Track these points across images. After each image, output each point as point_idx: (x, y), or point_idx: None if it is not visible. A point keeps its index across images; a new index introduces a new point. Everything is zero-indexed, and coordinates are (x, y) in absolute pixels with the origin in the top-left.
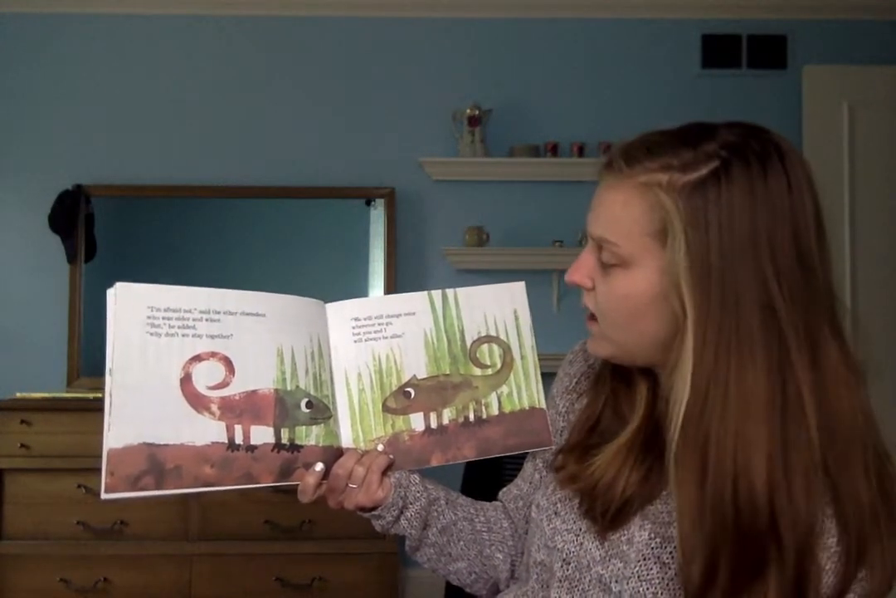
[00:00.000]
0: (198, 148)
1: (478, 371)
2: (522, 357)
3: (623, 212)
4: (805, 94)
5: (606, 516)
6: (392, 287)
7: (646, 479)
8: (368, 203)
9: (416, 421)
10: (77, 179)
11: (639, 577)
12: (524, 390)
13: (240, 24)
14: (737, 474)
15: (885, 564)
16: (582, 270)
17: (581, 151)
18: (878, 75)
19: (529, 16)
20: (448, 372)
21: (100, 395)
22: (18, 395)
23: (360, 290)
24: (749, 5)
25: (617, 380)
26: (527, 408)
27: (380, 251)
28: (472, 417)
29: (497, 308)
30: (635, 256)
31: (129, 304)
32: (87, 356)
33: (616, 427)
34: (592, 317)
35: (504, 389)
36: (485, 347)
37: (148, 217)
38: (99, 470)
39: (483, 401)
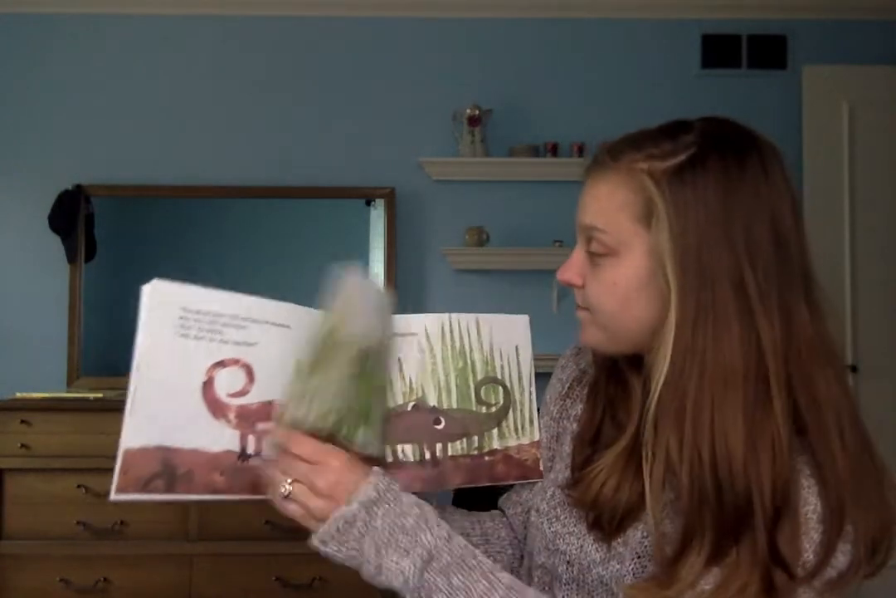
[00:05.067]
0: (198, 148)
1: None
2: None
3: (609, 199)
4: (805, 94)
5: (612, 524)
6: (392, 287)
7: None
8: (368, 203)
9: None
10: (77, 179)
11: (634, 575)
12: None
13: (240, 25)
14: (714, 439)
15: (863, 533)
16: (573, 267)
17: (581, 151)
18: (878, 75)
19: (529, 16)
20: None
21: (100, 395)
22: (18, 395)
23: None
24: (749, 5)
25: (613, 386)
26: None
27: (380, 251)
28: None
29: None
30: (622, 241)
31: (163, 303)
32: (87, 356)
33: (615, 434)
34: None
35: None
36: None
37: (148, 217)
38: (99, 470)
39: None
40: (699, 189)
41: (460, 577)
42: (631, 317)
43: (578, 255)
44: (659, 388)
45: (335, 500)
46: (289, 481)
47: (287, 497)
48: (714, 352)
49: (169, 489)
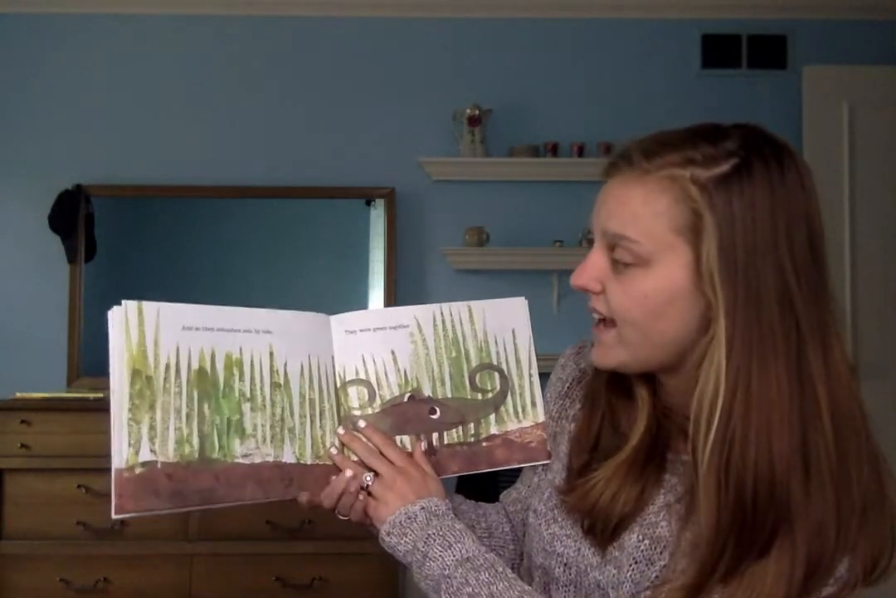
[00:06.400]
0: (198, 148)
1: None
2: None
3: (644, 207)
4: (805, 94)
5: (606, 532)
6: (392, 287)
7: (641, 493)
8: (368, 203)
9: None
10: (77, 179)
11: (632, 581)
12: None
13: (239, 24)
14: (758, 464)
15: (863, 550)
16: (590, 272)
17: (581, 151)
18: (878, 75)
19: (529, 16)
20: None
21: (100, 395)
22: (18, 395)
23: (359, 290)
24: (749, 5)
25: (613, 393)
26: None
27: (380, 251)
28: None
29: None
30: (656, 253)
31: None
32: (87, 356)
33: (616, 442)
34: (601, 322)
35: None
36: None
37: (148, 217)
38: (99, 470)
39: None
40: (746, 200)
41: (487, 575)
42: (657, 330)
43: (597, 259)
44: (718, 415)
45: (406, 500)
46: (372, 475)
47: (365, 488)
48: (760, 376)
49: (166, 505)
